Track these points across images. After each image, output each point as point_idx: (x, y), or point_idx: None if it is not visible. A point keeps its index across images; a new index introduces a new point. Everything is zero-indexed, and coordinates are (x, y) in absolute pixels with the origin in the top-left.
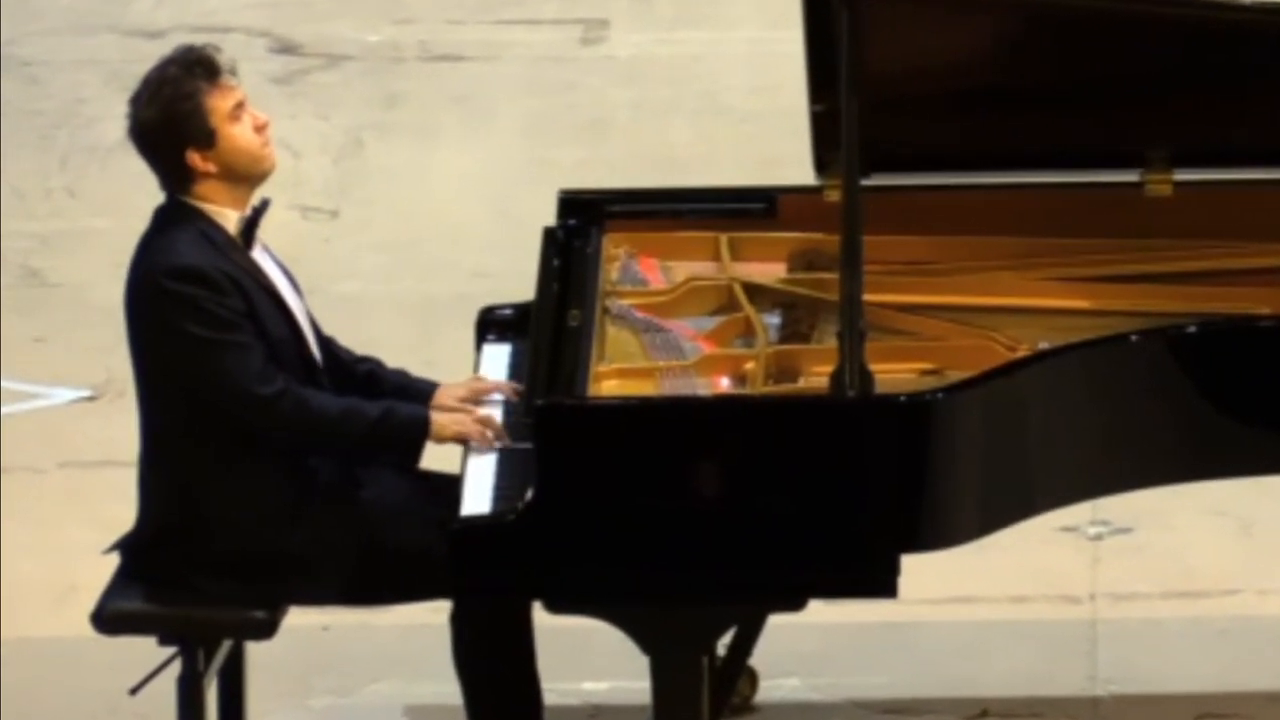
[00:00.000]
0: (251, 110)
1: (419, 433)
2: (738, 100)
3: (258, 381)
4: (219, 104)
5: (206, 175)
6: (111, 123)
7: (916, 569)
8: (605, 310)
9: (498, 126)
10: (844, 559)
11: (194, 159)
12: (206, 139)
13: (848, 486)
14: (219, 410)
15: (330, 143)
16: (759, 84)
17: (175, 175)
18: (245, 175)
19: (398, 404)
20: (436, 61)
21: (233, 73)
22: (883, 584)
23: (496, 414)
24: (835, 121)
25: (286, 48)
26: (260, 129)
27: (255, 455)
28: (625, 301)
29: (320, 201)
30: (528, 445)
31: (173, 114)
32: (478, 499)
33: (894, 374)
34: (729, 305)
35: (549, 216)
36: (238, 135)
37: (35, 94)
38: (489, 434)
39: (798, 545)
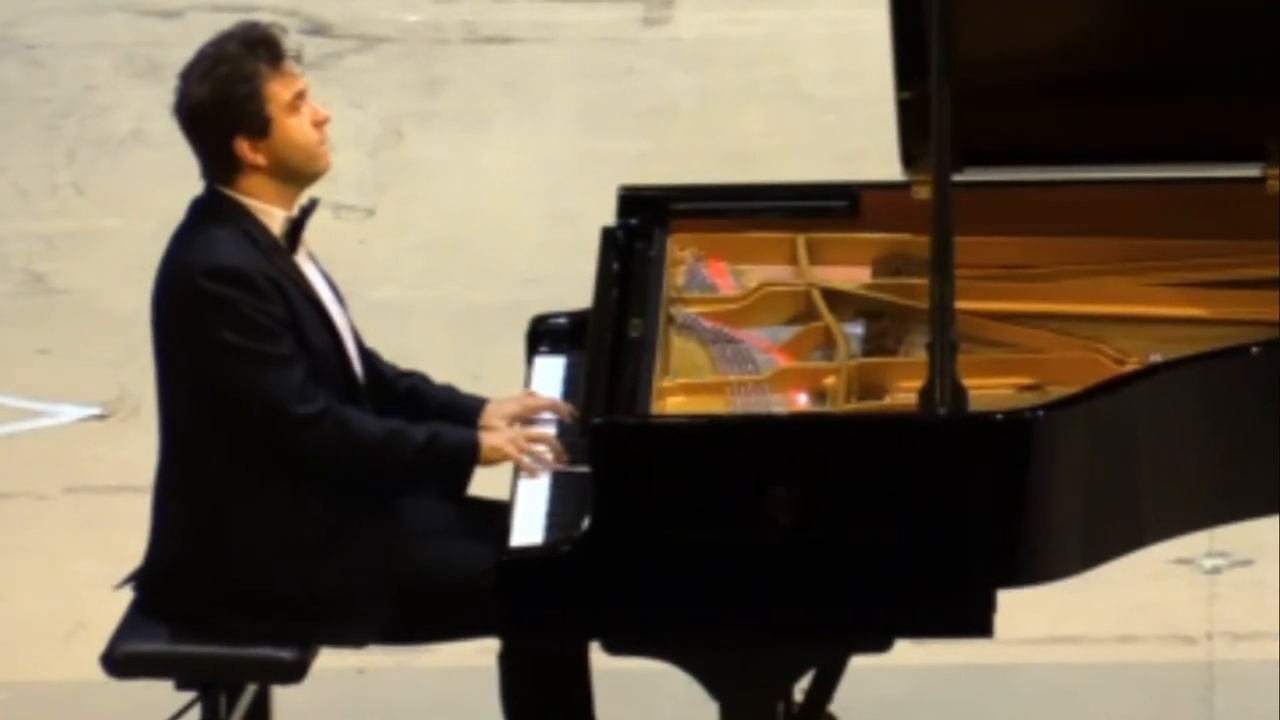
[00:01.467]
0: (312, 103)
1: (467, 458)
2: (817, 87)
3: (296, 399)
4: (279, 91)
5: (254, 168)
6: (123, 111)
7: (1014, 606)
8: (670, 319)
9: (551, 115)
10: (934, 594)
11: (243, 148)
12: (260, 128)
13: (939, 514)
14: (251, 427)
15: (365, 133)
16: (840, 69)
17: (220, 164)
18: (296, 173)
19: (444, 427)
20: (483, 43)
21: (297, 59)
22: (977, 622)
23: (551, 433)
24: (924, 110)
25: (317, 28)
26: (319, 124)
27: (287, 478)
28: (692, 309)
29: (354, 199)
30: (584, 469)
31: (227, 95)
32: (529, 528)
33: (990, 390)
34: (807, 314)
35: (607, 215)
36: (294, 128)
37: (40, 79)
38: (545, 456)
39: (883, 579)
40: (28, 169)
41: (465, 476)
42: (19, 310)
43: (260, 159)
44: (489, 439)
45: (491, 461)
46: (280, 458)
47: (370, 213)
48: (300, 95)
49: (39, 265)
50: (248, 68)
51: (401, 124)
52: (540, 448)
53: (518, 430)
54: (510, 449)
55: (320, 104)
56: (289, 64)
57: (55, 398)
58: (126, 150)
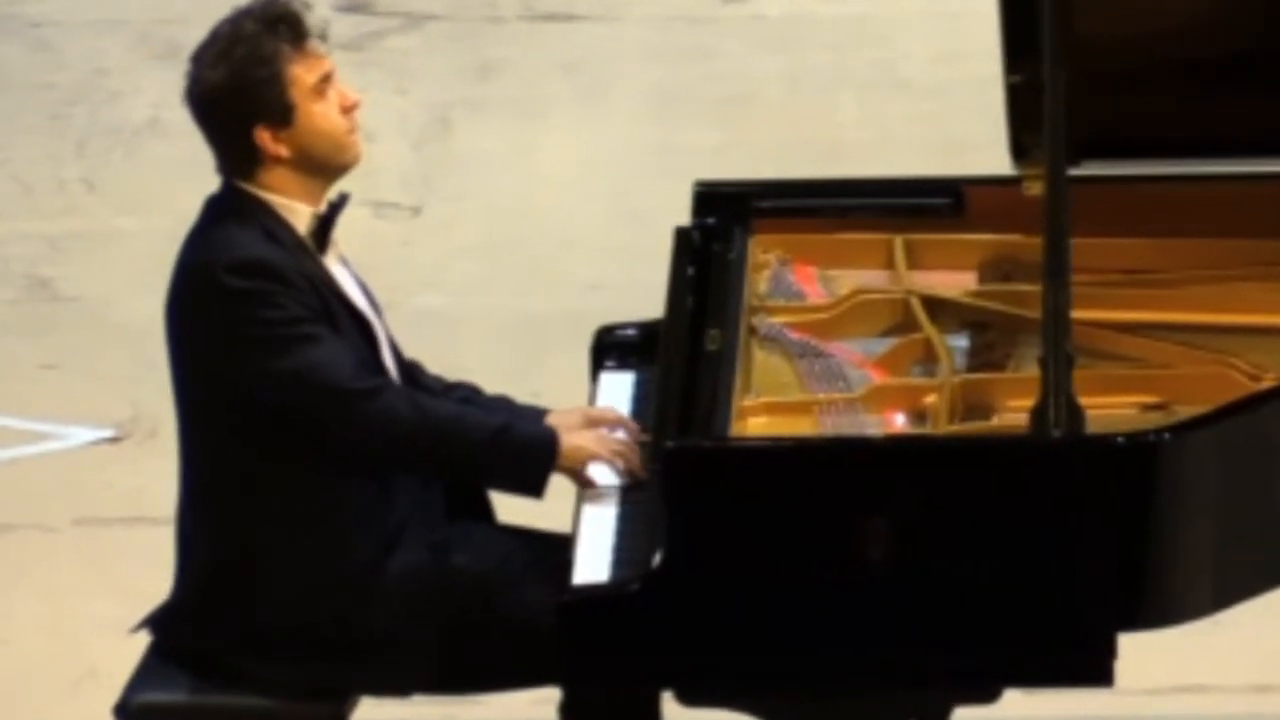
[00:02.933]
0: (340, 86)
1: (545, 451)
2: (916, 71)
3: (352, 375)
4: (302, 74)
5: (277, 160)
6: (139, 98)
7: (1137, 651)
8: (752, 330)
9: (618, 103)
10: (1048, 638)
11: (264, 139)
12: (282, 116)
13: (1052, 549)
14: (306, 420)
15: (410, 123)
16: (942, 50)
17: (237, 156)
18: (323, 165)
19: (518, 419)
20: (542, 22)
21: (323, 38)
22: (1096, 669)
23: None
24: (1037, 97)
25: (355, 5)
26: (348, 110)
27: (327, 505)
28: (776, 319)
29: (398, 196)
30: (654, 496)
31: (244, 80)
32: (594, 563)
33: (1110, 410)
34: (905, 324)
35: (681, 215)
36: (320, 115)
37: (46, 63)
38: (634, 461)
39: (990, 621)
40: (32, 162)
41: (542, 475)
42: (22, 320)
43: (283, 150)
44: (570, 437)
45: (571, 463)
46: (318, 480)
47: (415, 211)
48: (326, 78)
49: (44, 270)
50: (267, 49)
51: (450, 112)
52: (623, 456)
53: (603, 431)
54: (600, 448)
55: (351, 87)
56: (313, 43)
57: (63, 418)
58: (142, 141)
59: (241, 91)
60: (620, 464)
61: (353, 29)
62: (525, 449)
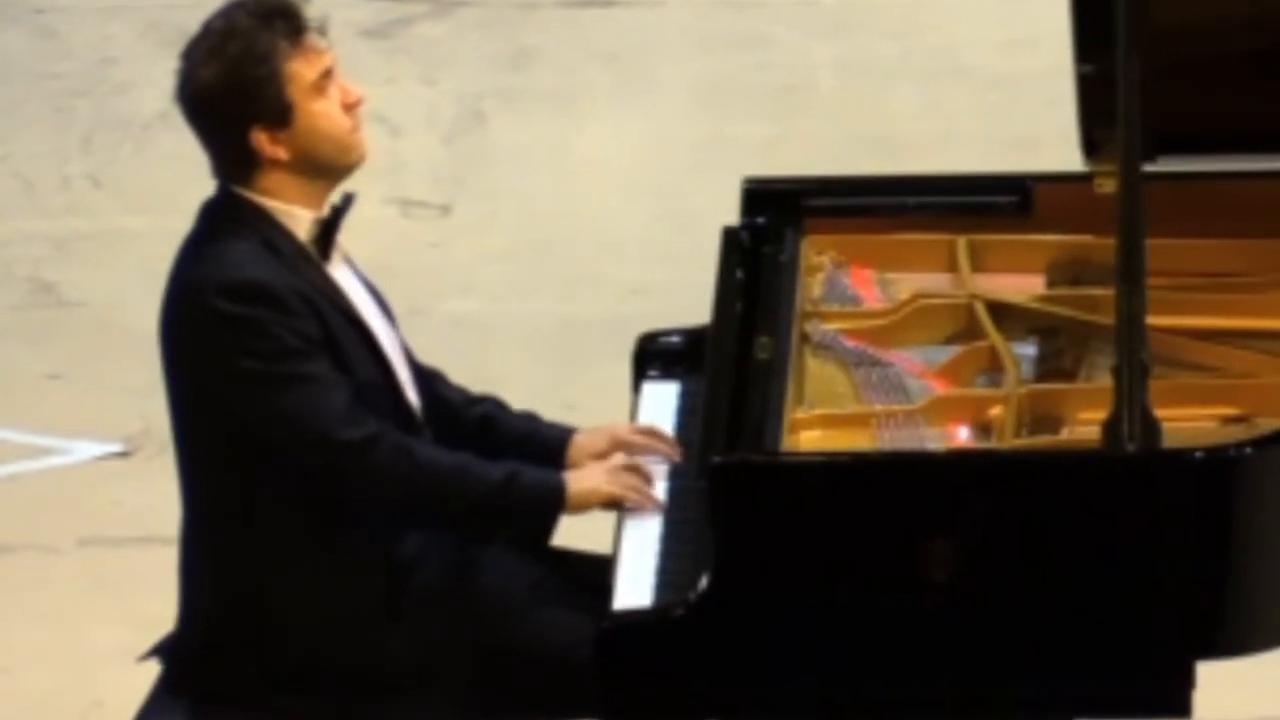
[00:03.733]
0: (342, 82)
1: (550, 504)
2: (980, 59)
3: (341, 424)
4: (301, 71)
5: (275, 163)
6: (148, 90)
7: (1215, 681)
8: (804, 337)
9: (661, 94)
10: (1121, 666)
11: (261, 141)
12: (280, 116)
13: (1126, 571)
14: (293, 467)
15: (440, 116)
16: (1008, 37)
17: (233, 160)
18: (325, 167)
19: (525, 466)
20: (580, 8)
21: (322, 31)
22: (1173, 699)
23: (658, 472)
24: (1110, 88)
25: None
26: (350, 107)
27: (341, 529)
28: (831, 326)
29: (426, 193)
30: (699, 514)
31: (239, 79)
32: (635, 587)
33: (1187, 422)
34: (968, 331)
35: (730, 214)
36: (321, 114)
37: (50, 52)
38: (647, 489)
39: (1059, 648)
40: (35, 158)
41: (548, 526)
42: (25, 326)
43: (282, 152)
44: (578, 482)
45: (583, 508)
46: (328, 503)
47: (445, 210)
48: (326, 74)
49: (48, 273)
50: (263, 45)
51: (483, 104)
52: (634, 480)
53: (615, 461)
54: (613, 488)
55: (353, 82)
56: (312, 38)
57: (68, 432)
58: (152, 135)
59: (237, 91)
60: (631, 501)
61: (378, 15)
62: (527, 506)
